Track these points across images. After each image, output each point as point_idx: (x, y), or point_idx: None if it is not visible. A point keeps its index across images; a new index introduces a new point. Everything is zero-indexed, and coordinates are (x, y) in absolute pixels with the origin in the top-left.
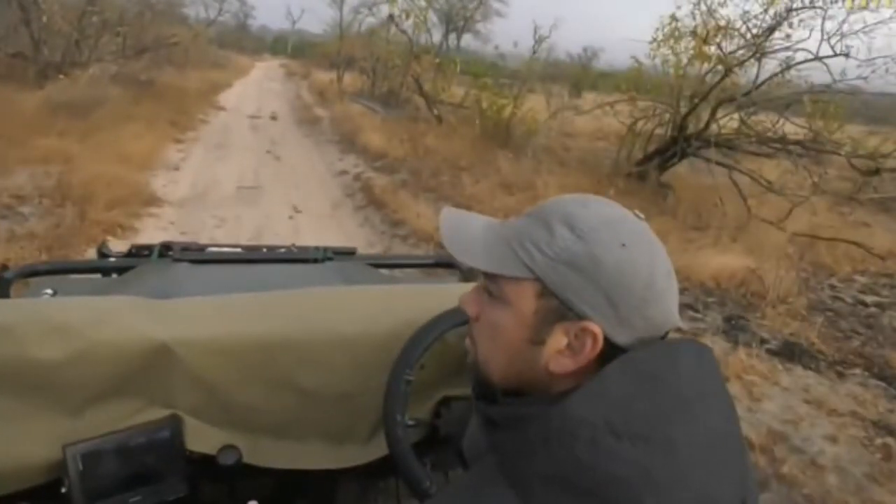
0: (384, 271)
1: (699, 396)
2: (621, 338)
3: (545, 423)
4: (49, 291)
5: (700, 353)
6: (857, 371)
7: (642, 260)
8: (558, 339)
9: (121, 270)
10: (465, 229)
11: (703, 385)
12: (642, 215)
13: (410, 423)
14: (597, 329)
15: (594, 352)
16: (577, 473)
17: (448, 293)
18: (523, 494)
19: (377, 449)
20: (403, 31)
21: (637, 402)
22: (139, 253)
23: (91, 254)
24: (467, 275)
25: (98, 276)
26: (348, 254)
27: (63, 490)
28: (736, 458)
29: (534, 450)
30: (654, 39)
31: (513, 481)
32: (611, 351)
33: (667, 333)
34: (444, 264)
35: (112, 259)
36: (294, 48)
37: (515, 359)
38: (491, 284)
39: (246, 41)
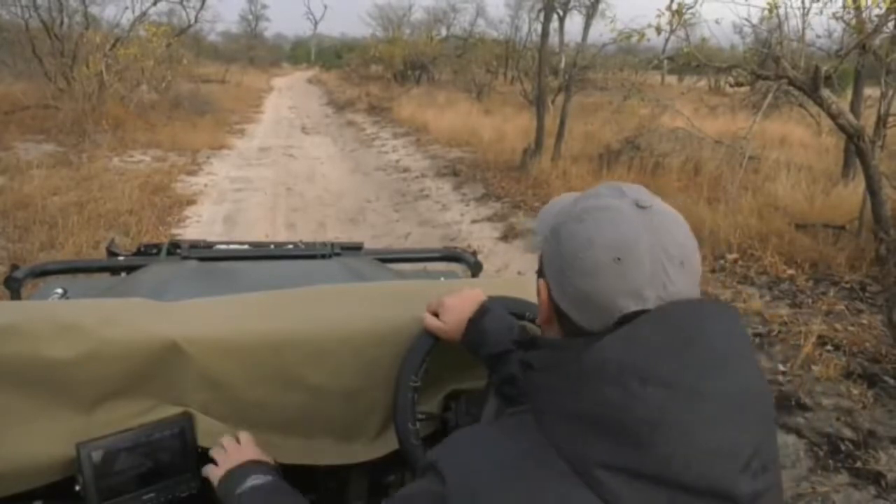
0: (391, 266)
1: (730, 355)
2: (561, 303)
3: (579, 363)
4: (59, 291)
5: (728, 315)
6: None
7: (589, 236)
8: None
9: (129, 269)
10: (548, 208)
11: (733, 345)
12: (648, 204)
13: (420, 416)
14: (543, 286)
15: (546, 306)
16: (604, 412)
17: (456, 287)
18: (549, 431)
19: (386, 444)
20: None
21: (667, 353)
22: (147, 251)
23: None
24: (475, 268)
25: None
26: (355, 249)
27: (77, 488)
28: (763, 418)
29: (563, 389)
30: None
31: (539, 419)
32: (557, 313)
33: (637, 313)
34: (452, 258)
35: (121, 258)
36: (320, 55)
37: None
38: None
39: (260, 49)
